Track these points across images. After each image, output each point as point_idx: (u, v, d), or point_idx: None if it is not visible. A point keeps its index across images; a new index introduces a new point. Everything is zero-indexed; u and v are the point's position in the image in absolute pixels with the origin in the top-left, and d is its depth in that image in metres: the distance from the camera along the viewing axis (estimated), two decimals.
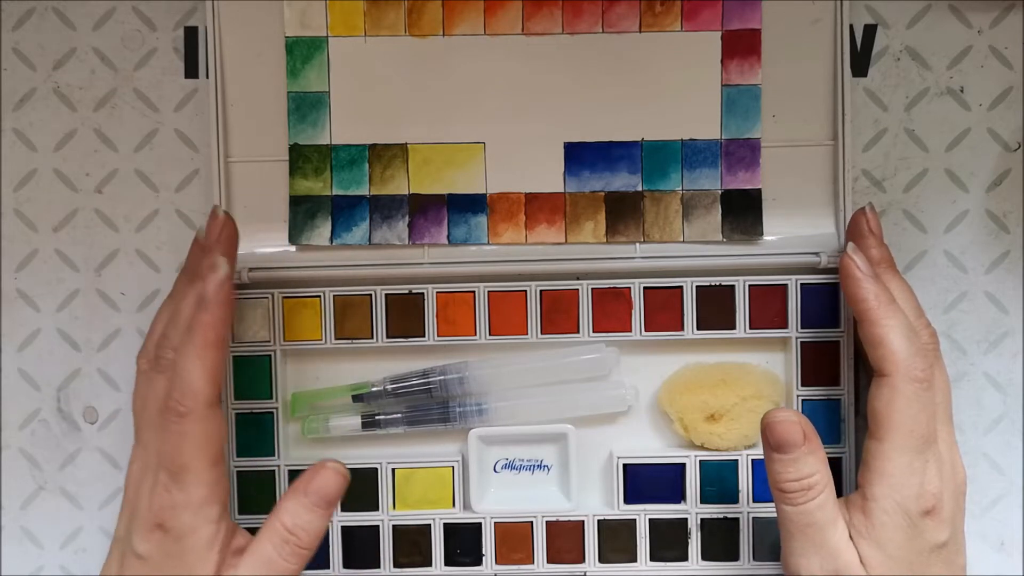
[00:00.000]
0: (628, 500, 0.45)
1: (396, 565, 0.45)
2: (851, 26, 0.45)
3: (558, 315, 0.44)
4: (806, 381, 0.44)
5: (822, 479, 0.38)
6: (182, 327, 0.39)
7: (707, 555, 0.45)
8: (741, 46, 0.44)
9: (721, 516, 0.44)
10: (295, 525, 0.38)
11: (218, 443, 0.38)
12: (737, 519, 0.44)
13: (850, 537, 0.38)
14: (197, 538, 0.37)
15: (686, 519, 0.44)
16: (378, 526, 0.45)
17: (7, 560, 0.47)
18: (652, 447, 0.46)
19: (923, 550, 0.38)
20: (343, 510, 0.45)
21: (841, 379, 0.44)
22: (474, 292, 0.44)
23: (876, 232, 0.42)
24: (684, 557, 0.45)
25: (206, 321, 0.37)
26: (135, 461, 0.40)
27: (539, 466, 0.46)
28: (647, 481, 0.44)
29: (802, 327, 0.44)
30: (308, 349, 0.45)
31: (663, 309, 0.44)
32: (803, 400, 0.44)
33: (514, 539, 0.45)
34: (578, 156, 0.44)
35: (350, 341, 0.44)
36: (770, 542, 0.44)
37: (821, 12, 0.44)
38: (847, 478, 0.44)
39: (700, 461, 0.44)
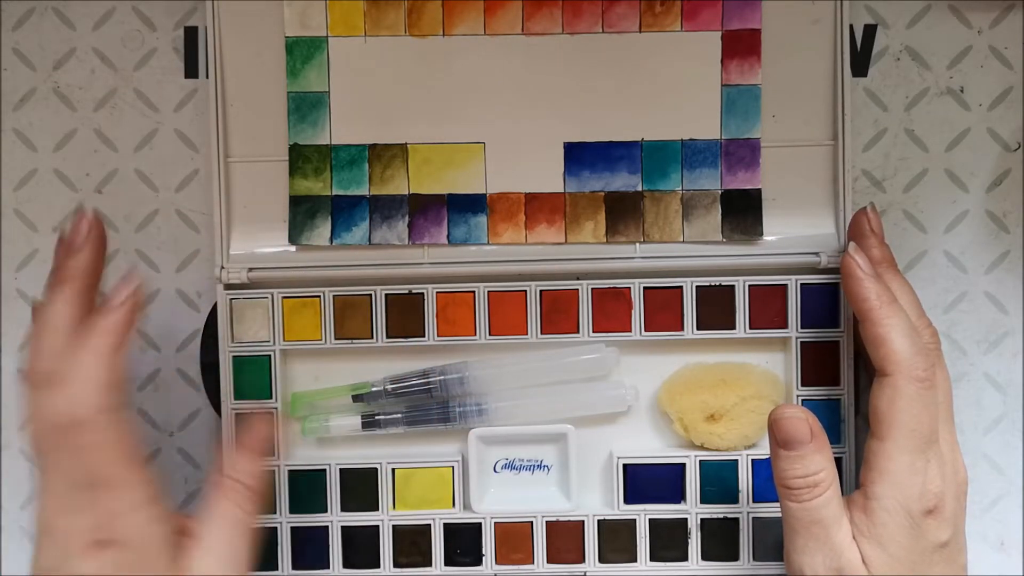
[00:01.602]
0: (628, 500, 0.44)
1: (396, 565, 0.45)
2: (851, 26, 0.45)
3: (558, 315, 0.44)
4: (806, 381, 0.44)
5: (828, 477, 0.38)
6: (60, 334, 0.36)
7: (707, 555, 0.45)
8: (741, 46, 0.44)
9: (721, 516, 0.44)
10: (241, 473, 0.38)
11: (130, 446, 0.36)
12: (737, 519, 0.44)
13: (852, 536, 0.38)
14: (152, 541, 0.36)
15: (686, 519, 0.44)
16: (378, 526, 0.45)
17: (7, 560, 0.47)
18: (652, 447, 0.46)
19: (925, 550, 0.38)
20: (343, 510, 0.45)
21: (841, 379, 0.44)
22: (474, 292, 0.44)
23: (878, 232, 0.42)
24: (684, 557, 0.45)
25: (108, 326, 0.36)
26: (48, 488, 0.36)
27: (539, 466, 0.46)
28: (647, 481, 0.44)
29: (802, 327, 0.44)
30: (308, 349, 0.45)
31: (663, 309, 0.44)
32: (803, 400, 0.44)
33: (514, 539, 0.45)
34: (578, 156, 0.44)
35: (350, 341, 0.44)
36: (770, 542, 0.44)
37: (821, 12, 0.44)
38: (847, 478, 0.44)
39: (700, 461, 0.44)
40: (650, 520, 0.44)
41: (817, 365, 0.44)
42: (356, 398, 0.45)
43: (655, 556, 0.45)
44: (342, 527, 0.45)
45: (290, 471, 0.45)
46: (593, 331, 0.44)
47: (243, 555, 0.38)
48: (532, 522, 0.45)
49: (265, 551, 0.45)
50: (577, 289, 0.44)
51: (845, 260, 0.40)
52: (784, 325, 0.44)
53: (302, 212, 0.45)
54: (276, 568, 0.45)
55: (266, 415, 0.38)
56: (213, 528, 0.37)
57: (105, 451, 0.36)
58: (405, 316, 0.44)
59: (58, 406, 0.35)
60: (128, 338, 0.37)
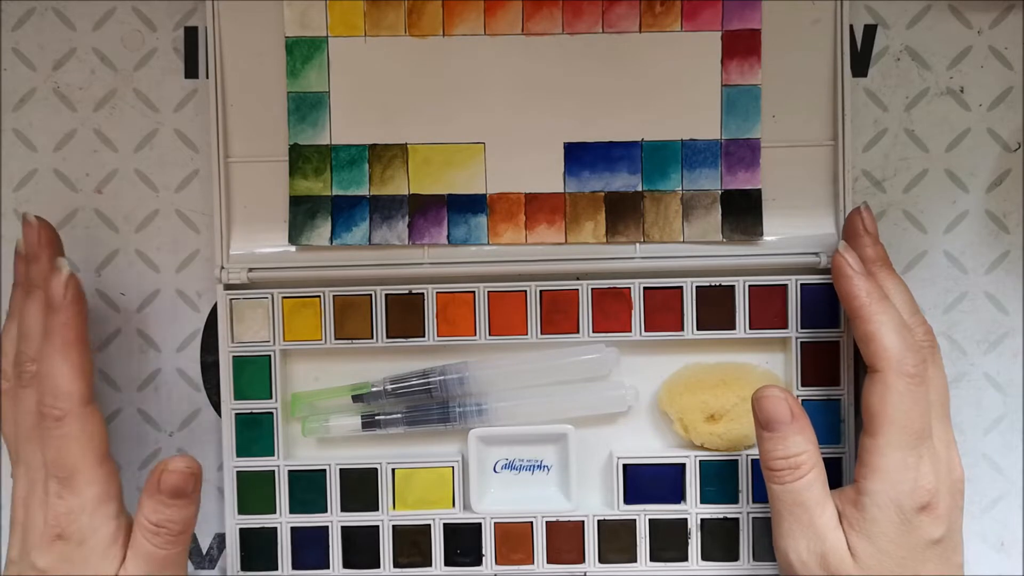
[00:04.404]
0: (628, 500, 0.45)
1: (396, 565, 0.45)
2: (851, 26, 0.45)
3: (558, 315, 0.44)
4: (806, 381, 0.44)
5: (810, 459, 0.39)
6: (36, 337, 0.39)
7: (707, 555, 0.45)
8: (741, 46, 0.44)
9: (721, 516, 0.44)
10: (160, 520, 0.39)
11: (101, 440, 0.39)
12: (737, 519, 0.44)
13: (841, 526, 0.38)
14: (98, 539, 0.38)
15: (686, 519, 0.44)
16: (378, 526, 0.45)
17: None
18: (652, 447, 0.46)
19: (917, 546, 0.38)
20: (343, 510, 0.45)
21: (841, 379, 0.44)
22: (474, 292, 0.44)
23: (871, 231, 0.42)
24: (684, 557, 0.45)
25: (61, 321, 0.38)
26: (18, 481, 0.40)
27: (539, 466, 0.46)
28: (647, 481, 0.44)
29: (802, 327, 0.44)
30: (308, 349, 0.45)
31: (663, 309, 0.44)
32: (803, 400, 0.44)
33: (514, 539, 0.45)
34: (578, 156, 0.44)
35: (350, 341, 0.44)
36: (770, 542, 0.44)
37: (821, 12, 0.44)
38: (848, 479, 0.44)
39: (700, 461, 0.44)
40: (650, 520, 0.44)
41: (817, 365, 0.44)
42: (356, 398, 0.45)
43: (655, 556, 0.45)
44: (342, 527, 0.45)
45: (290, 471, 0.45)
46: (593, 331, 0.44)
47: None
48: (532, 522, 0.45)
49: (265, 551, 0.45)
50: (577, 289, 0.44)
51: (835, 258, 0.40)
52: (784, 325, 0.44)
53: (302, 212, 0.45)
54: (276, 568, 0.45)
55: (183, 469, 0.38)
56: (133, 558, 0.39)
57: (78, 443, 0.38)
58: (405, 316, 0.44)
59: (43, 398, 0.38)
60: (84, 327, 0.39)
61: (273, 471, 0.45)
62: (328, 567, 0.45)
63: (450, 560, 0.45)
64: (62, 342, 0.38)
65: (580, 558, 0.45)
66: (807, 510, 0.38)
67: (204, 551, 0.46)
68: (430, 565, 0.45)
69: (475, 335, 0.44)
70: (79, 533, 0.38)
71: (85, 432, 0.38)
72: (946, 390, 0.41)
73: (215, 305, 0.46)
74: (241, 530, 0.45)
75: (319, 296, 0.44)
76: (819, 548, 0.38)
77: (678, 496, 0.45)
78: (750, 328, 0.44)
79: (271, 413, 0.45)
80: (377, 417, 0.45)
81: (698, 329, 0.44)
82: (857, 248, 0.41)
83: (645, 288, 0.44)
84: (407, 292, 0.44)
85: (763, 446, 0.39)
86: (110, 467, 0.39)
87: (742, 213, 0.44)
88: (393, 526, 0.45)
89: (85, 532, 0.38)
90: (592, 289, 0.44)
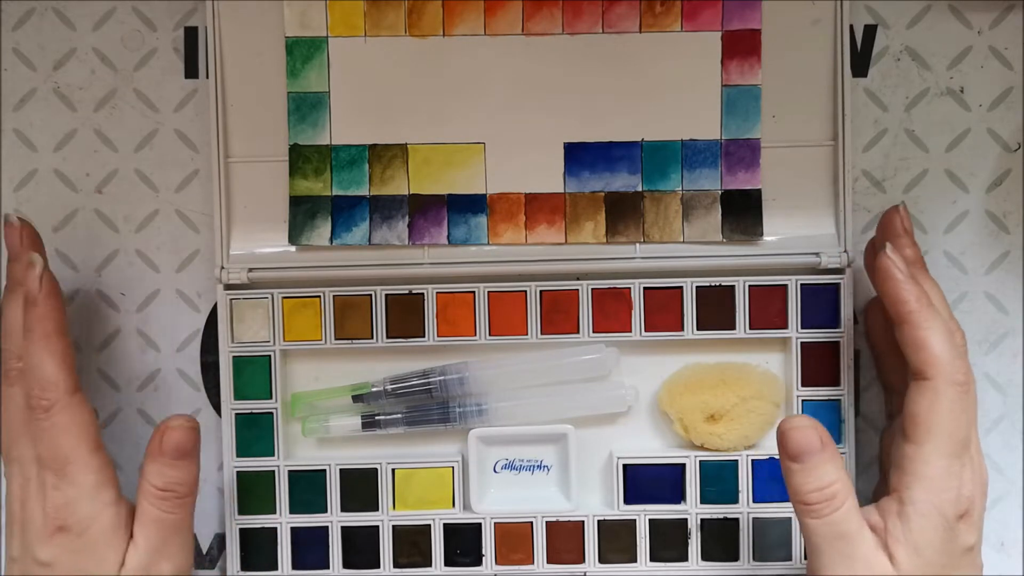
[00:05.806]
0: (628, 500, 0.44)
1: (396, 565, 0.45)
2: (851, 26, 0.45)
3: (558, 315, 0.44)
4: (806, 381, 0.44)
5: (844, 488, 0.37)
6: (16, 334, 0.39)
7: (707, 555, 0.45)
8: (741, 46, 0.44)
9: (721, 516, 0.44)
10: (166, 483, 0.39)
11: (92, 428, 0.39)
12: (737, 519, 0.44)
13: (883, 543, 0.37)
14: (100, 526, 0.38)
15: (686, 519, 0.44)
16: (378, 526, 0.45)
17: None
18: (652, 447, 0.46)
19: (955, 553, 0.37)
20: (343, 510, 0.45)
21: (841, 379, 0.44)
22: (474, 292, 0.44)
23: (910, 231, 0.41)
24: (684, 557, 0.45)
25: (40, 314, 0.39)
26: (12, 479, 0.40)
27: (539, 466, 0.46)
28: (647, 481, 0.44)
29: (802, 327, 0.44)
30: (308, 349, 0.45)
31: (663, 309, 0.44)
32: (803, 400, 0.44)
33: (514, 539, 0.45)
34: (578, 156, 0.44)
35: (350, 341, 0.44)
36: (770, 542, 0.44)
37: (821, 12, 0.44)
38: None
39: (700, 461, 0.44)
40: (650, 520, 0.44)
41: (817, 365, 0.44)
42: (356, 398, 0.45)
43: (655, 556, 0.45)
44: (342, 527, 0.45)
45: (290, 471, 0.45)
46: (593, 331, 0.44)
47: (175, 553, 0.40)
48: (532, 522, 0.45)
49: (265, 551, 0.45)
50: (577, 289, 0.44)
51: (882, 261, 0.39)
52: (784, 325, 0.44)
53: (302, 212, 0.45)
54: (276, 568, 0.45)
55: (184, 424, 0.39)
56: (141, 530, 0.39)
57: (69, 432, 0.38)
58: (405, 316, 0.44)
59: (31, 391, 0.38)
60: (63, 319, 0.39)
61: (273, 471, 0.45)
62: (328, 567, 0.45)
63: (450, 560, 0.45)
64: (42, 334, 0.38)
65: (580, 558, 0.45)
66: (849, 541, 0.37)
67: (204, 551, 0.46)
68: (430, 565, 0.45)
69: (475, 335, 0.44)
70: (80, 523, 0.38)
71: (75, 421, 0.38)
72: (976, 396, 0.40)
73: (215, 305, 0.46)
74: (241, 530, 0.45)
75: (319, 296, 0.44)
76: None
77: (678, 496, 0.45)
78: (750, 328, 0.44)
79: (271, 413, 0.45)
80: (377, 417, 0.45)
81: (698, 329, 0.44)
82: (897, 249, 0.40)
83: (645, 288, 0.44)
84: (407, 292, 0.44)
85: (793, 480, 0.37)
86: (103, 455, 0.39)
87: (742, 213, 0.44)
88: (393, 526, 0.45)
89: (86, 521, 0.38)
90: (592, 289, 0.44)
